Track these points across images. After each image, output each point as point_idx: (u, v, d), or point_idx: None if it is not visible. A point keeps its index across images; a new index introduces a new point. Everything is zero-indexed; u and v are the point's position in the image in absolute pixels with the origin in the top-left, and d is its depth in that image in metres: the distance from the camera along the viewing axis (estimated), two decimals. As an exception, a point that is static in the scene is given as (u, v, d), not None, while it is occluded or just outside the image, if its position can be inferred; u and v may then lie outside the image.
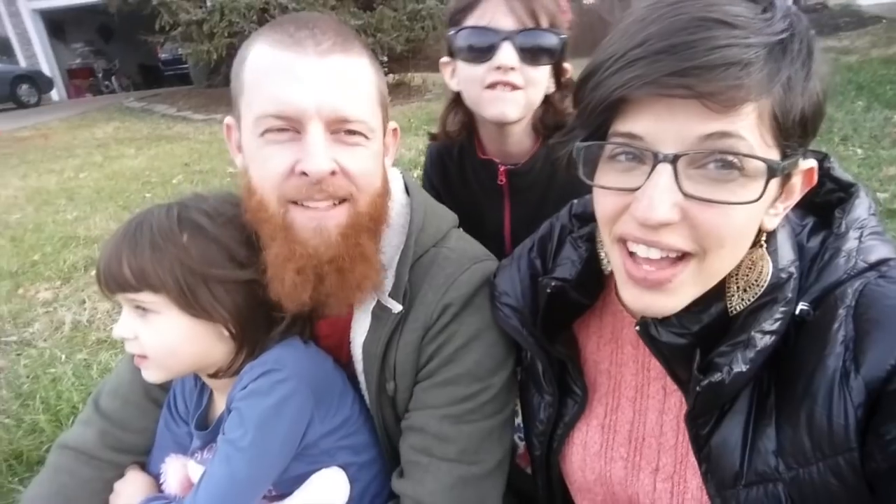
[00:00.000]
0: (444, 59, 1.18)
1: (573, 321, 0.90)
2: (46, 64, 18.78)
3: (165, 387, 1.10)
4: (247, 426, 0.85)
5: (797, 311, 0.66)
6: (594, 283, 0.86)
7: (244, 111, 0.85)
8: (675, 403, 0.79)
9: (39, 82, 16.66)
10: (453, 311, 0.93)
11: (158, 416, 1.09)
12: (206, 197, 0.98)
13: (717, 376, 0.66)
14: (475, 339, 0.94)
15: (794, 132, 0.61)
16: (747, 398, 0.69)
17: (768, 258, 0.68)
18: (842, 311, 0.62)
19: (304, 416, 0.90)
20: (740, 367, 0.65)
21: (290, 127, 0.81)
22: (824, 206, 0.75)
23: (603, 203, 0.69)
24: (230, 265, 0.91)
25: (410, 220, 0.98)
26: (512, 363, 0.98)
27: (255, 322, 0.94)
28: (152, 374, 0.94)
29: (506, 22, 1.03)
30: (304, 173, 0.80)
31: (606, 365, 0.88)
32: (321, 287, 0.87)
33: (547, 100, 1.17)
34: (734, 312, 0.69)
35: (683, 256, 0.65)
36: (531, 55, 1.05)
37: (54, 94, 18.33)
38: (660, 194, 0.60)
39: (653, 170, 0.60)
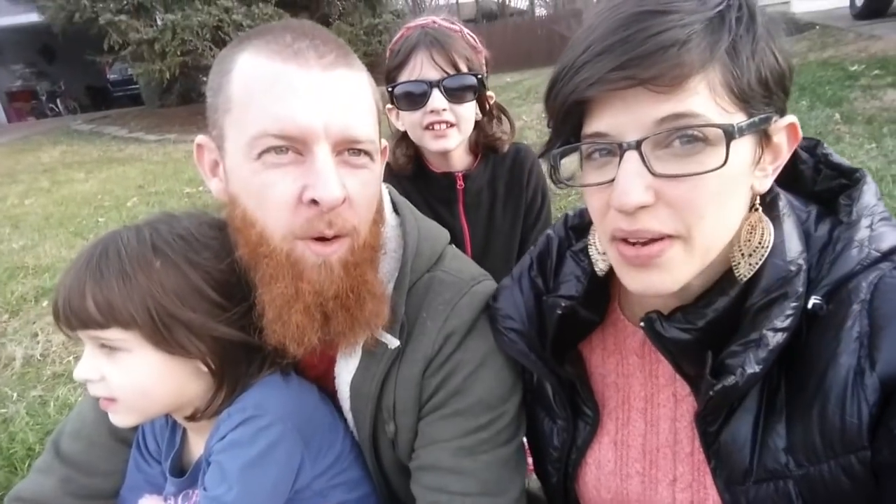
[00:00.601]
0: (388, 106, 1.37)
1: (581, 340, 0.87)
2: (-17, 87, 17.93)
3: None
4: (230, 480, 0.78)
5: (809, 306, 0.65)
6: (601, 297, 0.83)
7: (231, 130, 0.75)
8: (688, 409, 0.77)
9: (-24, 106, 15.88)
10: (456, 340, 0.87)
11: (127, 457, 1.00)
12: (179, 217, 0.88)
13: (730, 380, 0.64)
14: (482, 366, 0.87)
15: (753, 93, 0.62)
16: (756, 394, 0.68)
17: (767, 220, 0.68)
18: (856, 307, 0.61)
19: (293, 461, 0.83)
20: (753, 367, 0.64)
21: (292, 148, 0.72)
22: (824, 193, 0.74)
23: (591, 202, 0.71)
24: (207, 306, 0.82)
25: (405, 244, 0.90)
26: (521, 386, 0.93)
27: (236, 354, 0.86)
28: (122, 419, 0.85)
29: (432, 73, 1.24)
30: (313, 201, 0.72)
31: (613, 378, 0.85)
32: (328, 327, 0.79)
33: (477, 125, 1.41)
34: (743, 279, 0.68)
35: (668, 237, 0.64)
36: (457, 96, 1.27)
37: (-7, 119, 17.50)
38: (631, 179, 0.61)
39: (621, 159, 0.62)
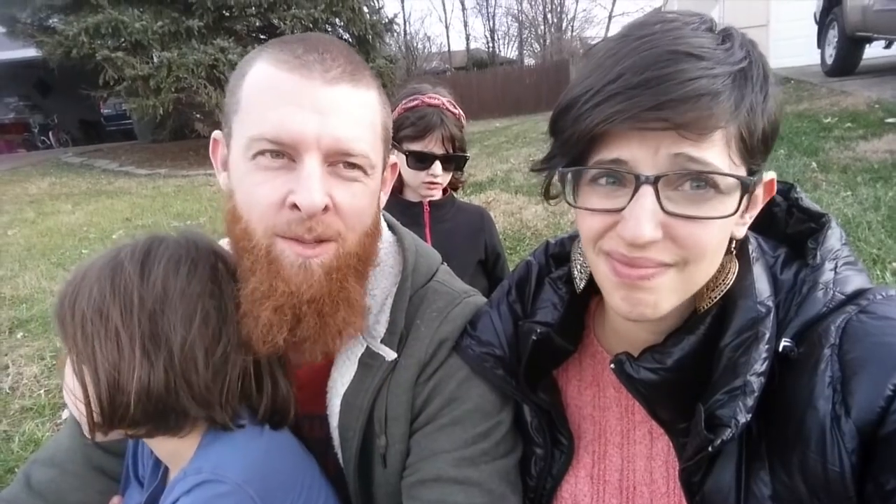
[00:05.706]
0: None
1: (555, 367, 0.87)
2: (-25, 119, 17.94)
3: (111, 451, 0.98)
4: None
5: (780, 348, 0.66)
6: (577, 326, 0.84)
7: (236, 129, 0.79)
8: (663, 448, 0.77)
9: (-34, 137, 15.85)
10: (450, 346, 0.88)
11: (100, 488, 0.97)
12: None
13: (727, 433, 0.63)
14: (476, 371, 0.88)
15: (758, 150, 0.65)
16: (736, 441, 0.67)
17: (735, 261, 0.71)
18: (826, 351, 0.62)
19: None
20: (744, 417, 0.63)
21: (285, 154, 0.75)
22: (795, 236, 0.77)
23: (589, 223, 0.70)
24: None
25: (404, 260, 0.93)
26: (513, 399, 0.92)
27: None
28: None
29: (438, 149, 1.68)
30: (295, 206, 0.74)
31: (590, 410, 0.85)
32: (298, 329, 0.79)
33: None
34: (702, 310, 0.70)
35: (664, 265, 0.66)
36: (448, 166, 1.74)
37: (-18, 150, 17.45)
38: (646, 214, 0.62)
39: (636, 192, 0.62)
